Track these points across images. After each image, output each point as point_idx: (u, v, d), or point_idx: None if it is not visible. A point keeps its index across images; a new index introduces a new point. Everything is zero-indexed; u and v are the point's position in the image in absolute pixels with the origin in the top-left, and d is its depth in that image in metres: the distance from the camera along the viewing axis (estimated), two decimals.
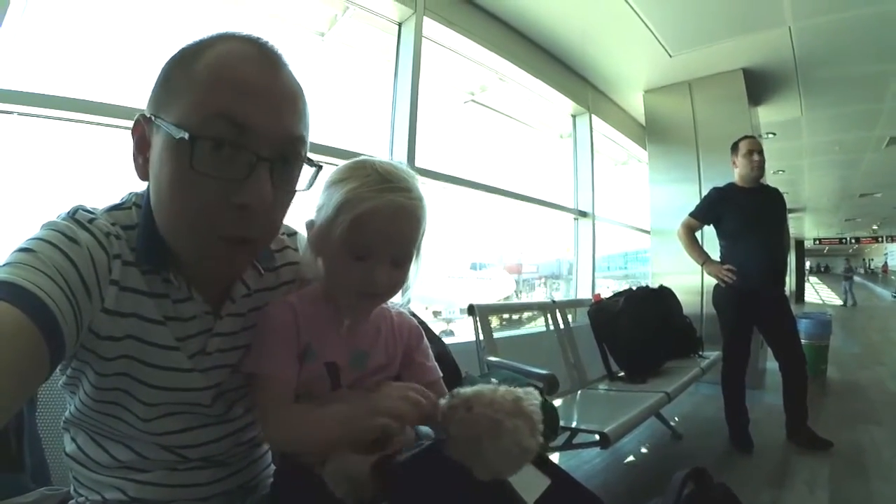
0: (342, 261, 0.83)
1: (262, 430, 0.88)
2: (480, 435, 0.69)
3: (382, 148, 3.07)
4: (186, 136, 0.66)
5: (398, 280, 0.86)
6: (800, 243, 19.18)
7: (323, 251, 0.85)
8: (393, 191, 0.81)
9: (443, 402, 0.76)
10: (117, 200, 0.81)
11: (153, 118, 0.70)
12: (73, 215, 0.72)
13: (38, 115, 1.87)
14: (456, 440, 0.72)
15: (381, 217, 0.80)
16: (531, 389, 0.76)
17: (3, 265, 0.62)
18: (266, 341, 0.83)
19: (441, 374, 0.97)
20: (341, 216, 0.80)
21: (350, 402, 0.78)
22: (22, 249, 0.64)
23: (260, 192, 0.70)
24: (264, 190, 0.70)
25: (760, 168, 3.22)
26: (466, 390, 0.74)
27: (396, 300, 0.97)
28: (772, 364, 3.47)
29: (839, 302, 18.54)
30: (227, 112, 0.67)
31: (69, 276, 0.65)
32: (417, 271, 0.91)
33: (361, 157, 0.87)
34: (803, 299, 18.59)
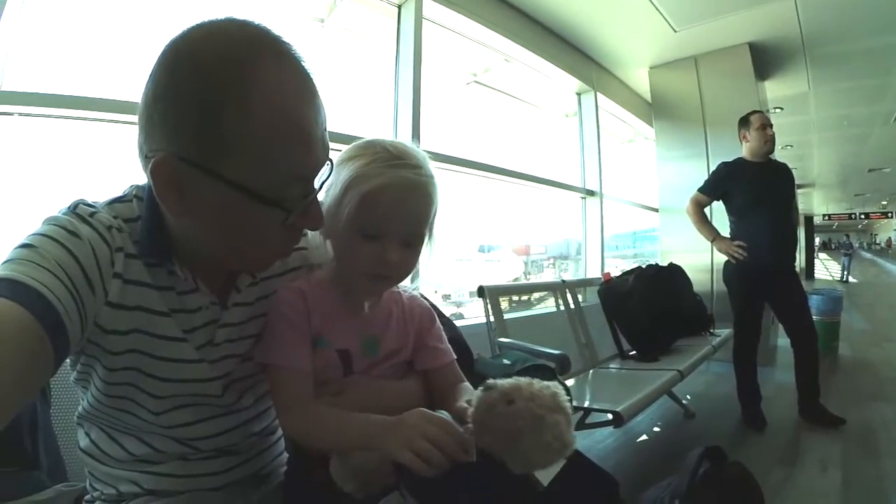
0: (351, 241, 0.81)
1: (280, 423, 0.86)
2: (522, 429, 0.68)
3: (386, 132, 3.04)
4: (281, 209, 0.69)
5: (410, 261, 0.84)
6: (809, 219, 19.07)
7: (331, 232, 0.84)
8: (403, 167, 0.79)
9: (478, 393, 0.73)
10: (119, 193, 0.80)
11: (198, 166, 0.65)
12: (74, 209, 0.71)
13: (38, 115, 1.85)
14: (495, 434, 0.70)
15: (392, 193, 0.78)
16: (558, 385, 0.74)
17: (5, 262, 0.61)
18: (278, 330, 0.82)
19: (455, 357, 0.95)
20: (350, 193, 0.78)
21: (378, 420, 0.74)
22: (23, 245, 0.64)
23: (319, 215, 0.77)
24: (320, 212, 0.77)
25: (773, 142, 3.18)
26: (503, 383, 0.72)
27: (407, 284, 0.96)
28: (783, 341, 3.45)
29: (852, 279, 18.54)
30: (302, 172, 0.71)
31: (71, 270, 0.64)
32: (430, 254, 0.89)
33: (371, 137, 0.85)
34: (813, 275, 18.50)
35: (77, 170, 2.00)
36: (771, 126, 3.19)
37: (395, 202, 0.79)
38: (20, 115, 1.81)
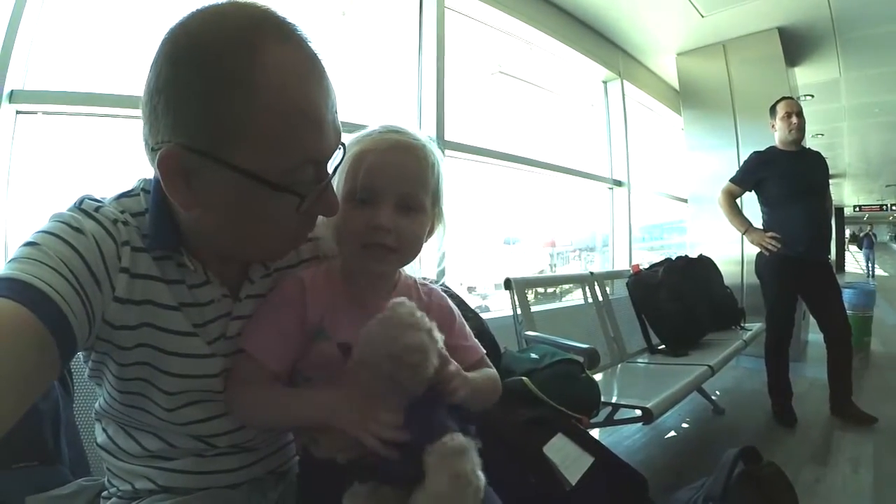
0: (346, 210, 0.79)
1: (226, 403, 0.80)
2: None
3: (411, 124, 2.99)
4: (294, 194, 0.67)
5: (408, 229, 0.80)
6: (839, 210, 18.65)
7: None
8: (393, 132, 0.82)
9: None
10: (127, 188, 0.79)
11: (206, 155, 0.63)
12: (80, 205, 0.71)
13: (61, 114, 1.87)
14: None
15: (379, 150, 0.79)
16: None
17: (9, 261, 0.61)
18: (260, 316, 0.80)
19: (484, 351, 0.91)
20: (344, 165, 0.79)
21: (330, 397, 0.73)
22: (27, 244, 0.63)
23: (334, 201, 0.75)
24: (335, 197, 0.76)
25: (800, 130, 3.09)
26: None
27: (424, 275, 0.92)
28: (814, 336, 3.37)
29: (882, 273, 18.14)
30: (313, 157, 0.69)
31: (76, 267, 0.63)
32: (443, 234, 0.88)
33: None
34: (843, 269, 18.13)
35: (98, 166, 2.00)
36: (798, 114, 3.10)
37: (382, 158, 0.79)
38: (44, 113, 1.82)
